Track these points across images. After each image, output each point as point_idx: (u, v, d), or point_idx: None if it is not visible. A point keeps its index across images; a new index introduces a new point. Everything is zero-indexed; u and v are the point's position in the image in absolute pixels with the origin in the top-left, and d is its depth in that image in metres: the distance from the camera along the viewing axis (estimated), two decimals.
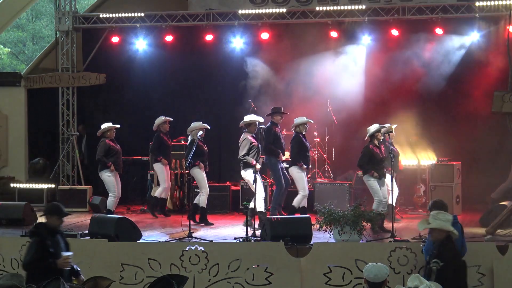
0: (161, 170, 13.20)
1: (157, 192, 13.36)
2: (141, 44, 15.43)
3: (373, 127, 11.83)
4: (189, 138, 12.50)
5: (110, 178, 12.63)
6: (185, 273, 9.60)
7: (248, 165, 11.85)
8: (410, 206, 13.73)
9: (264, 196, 12.04)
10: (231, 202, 13.77)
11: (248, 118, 12.23)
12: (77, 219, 13.03)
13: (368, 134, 11.81)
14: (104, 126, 12.84)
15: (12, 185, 15.05)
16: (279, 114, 12.66)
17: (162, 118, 13.36)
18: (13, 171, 15.96)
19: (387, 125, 12.32)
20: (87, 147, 15.93)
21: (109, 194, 12.72)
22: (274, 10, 14.74)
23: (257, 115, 12.61)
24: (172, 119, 13.48)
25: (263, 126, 12.27)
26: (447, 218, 7.12)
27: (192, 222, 11.84)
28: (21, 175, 15.91)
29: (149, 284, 6.76)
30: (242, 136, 12.14)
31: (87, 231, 10.83)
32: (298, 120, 12.33)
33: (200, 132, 12.27)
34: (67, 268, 7.61)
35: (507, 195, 12.57)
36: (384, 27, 14.51)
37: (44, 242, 7.49)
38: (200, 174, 12.40)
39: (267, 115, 12.70)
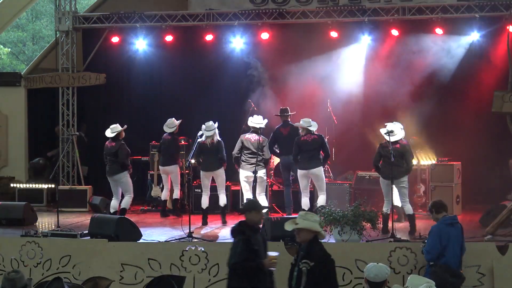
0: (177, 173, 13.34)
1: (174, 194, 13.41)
2: (141, 44, 15.43)
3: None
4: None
5: (129, 180, 12.66)
6: (185, 273, 9.62)
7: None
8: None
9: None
10: (231, 202, 13.76)
11: (262, 123, 12.40)
12: (77, 219, 13.06)
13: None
14: (118, 128, 12.68)
15: (12, 185, 15.04)
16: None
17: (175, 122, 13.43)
18: (13, 171, 15.95)
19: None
20: (86, 148, 15.93)
21: (127, 195, 12.61)
22: (274, 10, 14.74)
23: (257, 115, 12.70)
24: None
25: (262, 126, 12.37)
26: (315, 218, 7.03)
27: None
28: (21, 175, 15.90)
29: (148, 284, 6.78)
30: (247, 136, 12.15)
31: (87, 231, 10.83)
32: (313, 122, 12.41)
33: (200, 133, 12.28)
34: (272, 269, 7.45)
35: None
36: (384, 27, 14.50)
37: (249, 241, 7.29)
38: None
39: (278, 115, 12.83)
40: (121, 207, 12.61)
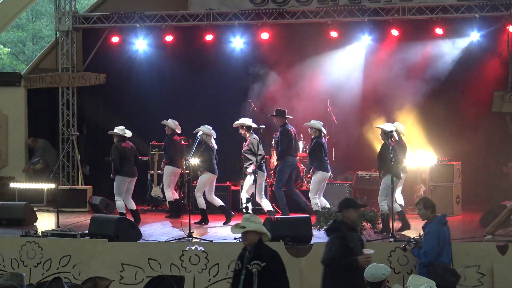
0: None
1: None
2: (141, 44, 15.43)
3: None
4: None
5: None
6: (185, 273, 9.62)
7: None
8: (410, 206, 13.71)
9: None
10: (231, 202, 13.77)
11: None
12: (77, 219, 13.06)
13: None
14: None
15: (12, 185, 15.05)
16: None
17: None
18: (13, 171, 15.95)
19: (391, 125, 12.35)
20: (85, 147, 15.92)
21: (130, 196, 12.68)
22: (274, 10, 14.74)
23: (244, 118, 12.66)
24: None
25: (263, 126, 12.34)
26: (259, 220, 7.05)
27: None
28: (21, 175, 15.90)
29: (147, 284, 6.79)
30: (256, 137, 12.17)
31: (87, 231, 10.83)
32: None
33: (200, 133, 12.28)
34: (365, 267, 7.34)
35: None
36: (384, 27, 14.51)
37: (344, 238, 7.28)
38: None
39: (284, 116, 12.71)
40: (133, 210, 12.51)
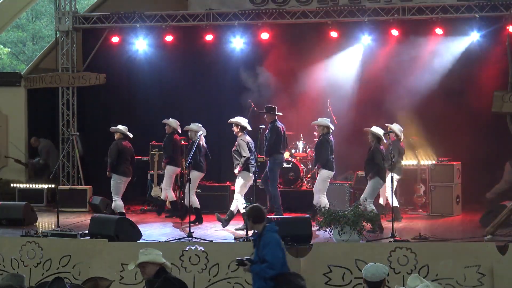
0: None
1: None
2: (141, 44, 15.44)
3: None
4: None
5: None
6: (185, 273, 9.62)
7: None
8: (410, 206, 13.73)
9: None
10: (231, 202, 13.73)
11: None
12: (77, 219, 13.06)
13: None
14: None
15: (12, 185, 15.06)
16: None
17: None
18: (13, 171, 15.96)
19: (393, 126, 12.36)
20: (84, 147, 15.93)
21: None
22: (274, 10, 14.74)
23: (240, 116, 12.60)
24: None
25: (263, 126, 12.30)
26: (157, 252, 7.08)
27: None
28: (21, 175, 15.91)
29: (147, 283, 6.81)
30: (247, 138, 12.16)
31: (87, 231, 10.83)
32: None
33: (200, 132, 12.26)
34: None
35: (502, 196, 12.59)
36: (384, 27, 14.51)
37: None
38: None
39: (273, 113, 12.65)
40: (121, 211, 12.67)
